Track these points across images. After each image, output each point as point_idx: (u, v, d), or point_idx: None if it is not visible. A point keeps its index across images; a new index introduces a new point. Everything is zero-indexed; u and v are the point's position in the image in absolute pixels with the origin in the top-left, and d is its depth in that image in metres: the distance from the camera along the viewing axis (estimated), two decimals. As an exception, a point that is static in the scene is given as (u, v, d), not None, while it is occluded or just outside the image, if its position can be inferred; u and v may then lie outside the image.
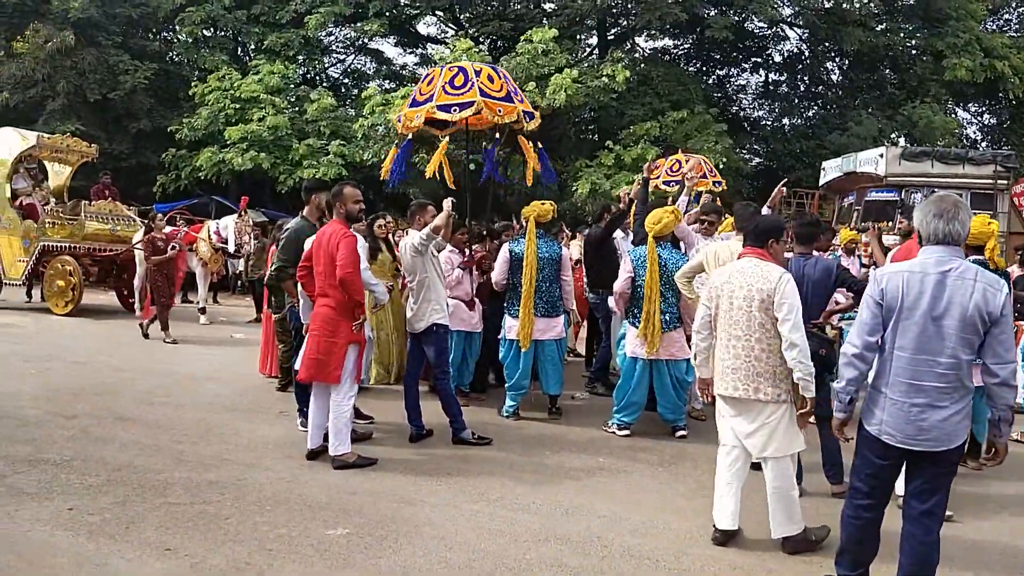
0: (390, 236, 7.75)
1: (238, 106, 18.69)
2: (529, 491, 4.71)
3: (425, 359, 5.78)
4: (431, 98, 7.07)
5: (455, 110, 6.99)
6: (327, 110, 18.85)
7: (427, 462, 5.24)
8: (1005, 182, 14.56)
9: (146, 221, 11.47)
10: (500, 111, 7.18)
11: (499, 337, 6.67)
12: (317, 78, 23.49)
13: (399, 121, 7.35)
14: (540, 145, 7.91)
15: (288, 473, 4.91)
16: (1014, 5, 25.30)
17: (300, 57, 21.00)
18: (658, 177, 11.90)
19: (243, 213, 12.33)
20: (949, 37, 19.12)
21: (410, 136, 7.47)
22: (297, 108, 19.63)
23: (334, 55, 25.31)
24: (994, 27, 24.07)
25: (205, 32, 21.69)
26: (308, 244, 5.45)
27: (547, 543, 3.95)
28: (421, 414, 5.76)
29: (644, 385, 6.02)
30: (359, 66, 25.95)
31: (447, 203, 5.65)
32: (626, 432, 6.05)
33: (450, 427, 5.70)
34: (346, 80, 25.58)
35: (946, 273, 2.93)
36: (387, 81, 24.28)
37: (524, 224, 6.60)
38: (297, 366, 5.47)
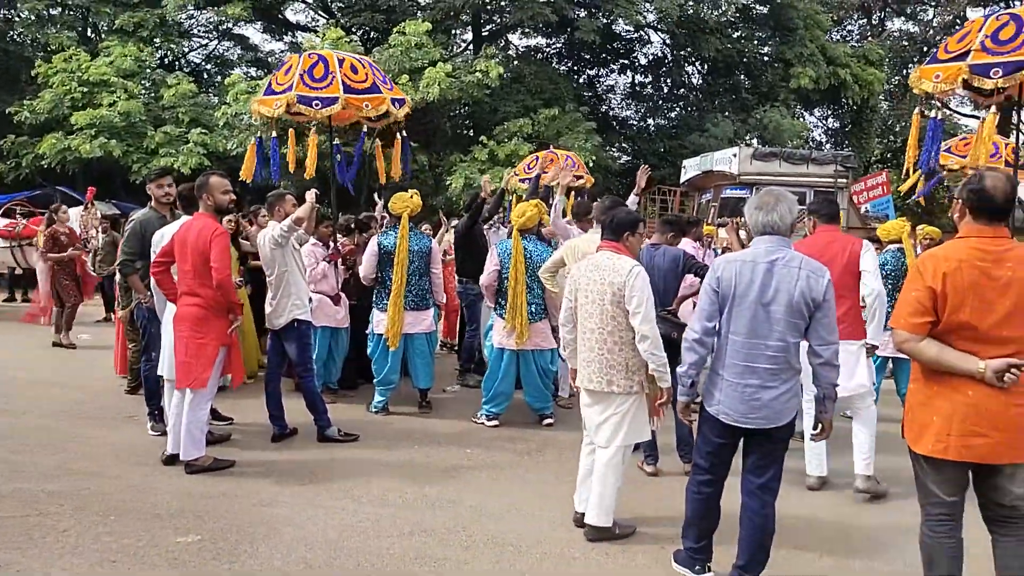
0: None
1: (86, 89, 17.33)
2: (395, 486, 4.67)
3: (287, 356, 5.60)
4: (289, 87, 6.87)
5: (316, 104, 6.83)
6: (186, 96, 17.84)
7: (290, 462, 5.09)
8: (844, 180, 15.83)
9: (48, 212, 10.39)
10: (367, 105, 7.08)
11: (367, 332, 6.57)
12: (176, 63, 22.21)
13: (253, 110, 7.10)
14: (404, 134, 7.86)
15: (137, 480, 4.64)
16: (855, 17, 27.61)
17: (156, 40, 19.75)
18: (514, 175, 12.12)
19: (89, 205, 11.47)
20: (797, 47, 20.57)
21: (274, 134, 7.25)
22: (153, 93, 18.47)
23: (195, 39, 24.00)
24: (838, 37, 26.14)
25: (51, 10, 19.99)
26: (158, 237, 5.16)
27: (412, 536, 3.94)
28: (284, 412, 5.59)
29: (511, 375, 6.11)
30: (223, 52, 24.77)
31: (310, 194, 5.49)
32: (495, 423, 6.13)
33: (315, 425, 5.56)
34: (209, 66, 24.33)
35: (774, 262, 3.14)
36: (253, 68, 23.30)
37: (389, 217, 6.54)
38: (158, 370, 5.19)
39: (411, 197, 6.39)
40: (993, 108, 6.99)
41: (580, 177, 11.68)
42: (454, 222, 10.00)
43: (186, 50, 22.94)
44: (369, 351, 6.54)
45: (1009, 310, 2.72)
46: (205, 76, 23.25)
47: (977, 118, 21.12)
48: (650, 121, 24.89)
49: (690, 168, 17.71)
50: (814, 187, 15.67)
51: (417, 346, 6.41)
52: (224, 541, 3.81)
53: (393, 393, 6.49)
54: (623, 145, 24.56)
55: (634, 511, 4.24)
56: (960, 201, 2.88)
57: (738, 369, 3.18)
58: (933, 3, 26.62)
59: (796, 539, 3.96)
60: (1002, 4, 23.73)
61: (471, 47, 22.37)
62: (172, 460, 4.89)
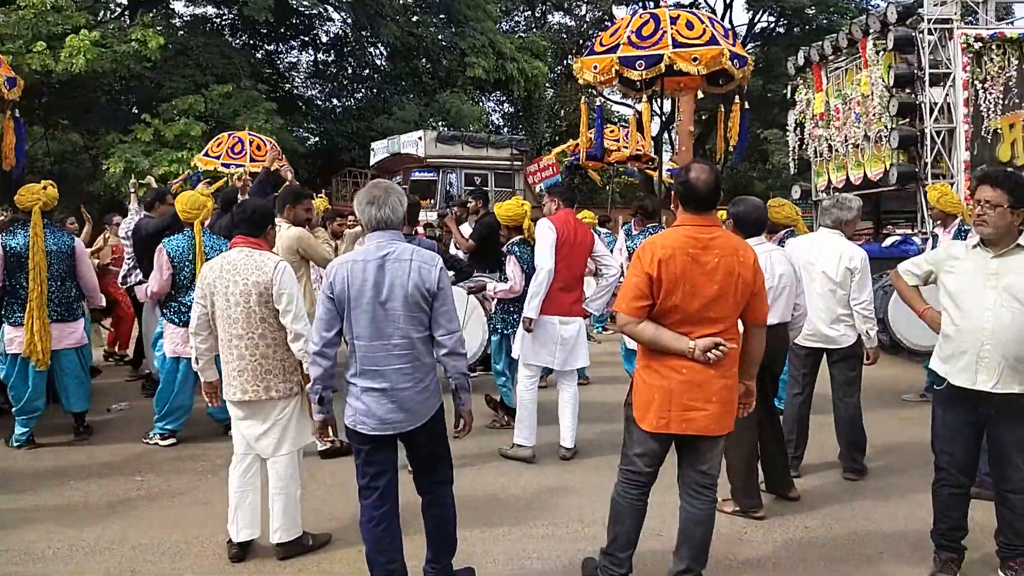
0: None
1: None
2: (43, 535, 3.94)
3: None
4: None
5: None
6: None
7: None
8: (519, 163, 17.04)
9: None
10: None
11: (-5, 353, 5.48)
12: None
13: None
14: (17, 114, 6.66)
15: None
16: (521, 9, 29.67)
17: None
18: (218, 157, 11.13)
19: None
20: (469, 38, 21.52)
21: None
22: None
23: None
24: (508, 27, 27.88)
25: None
26: None
27: (63, 596, 3.35)
28: None
29: (189, 386, 5.51)
30: None
31: None
32: (171, 441, 5.50)
33: None
34: None
35: (385, 257, 3.01)
36: None
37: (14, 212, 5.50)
38: None
39: (43, 189, 5.42)
40: (645, 99, 7.95)
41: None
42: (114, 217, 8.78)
43: None
44: (3, 375, 5.46)
45: (716, 293, 2.93)
46: None
47: (630, 107, 24.13)
48: (336, 101, 24.36)
49: (379, 150, 17.75)
50: (494, 169, 16.71)
51: (66, 363, 5.50)
52: None
53: (39, 421, 5.51)
54: (310, 126, 23.74)
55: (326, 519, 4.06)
56: (674, 192, 3.11)
57: (368, 375, 3.03)
58: (586, 0, 29.62)
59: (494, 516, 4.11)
60: (644, 3, 27.27)
61: (127, 14, 19.85)
62: None
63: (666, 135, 27.28)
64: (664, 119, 25.45)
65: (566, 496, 4.50)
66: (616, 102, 28.86)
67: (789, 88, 12.15)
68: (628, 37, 7.16)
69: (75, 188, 17.18)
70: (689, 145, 12.95)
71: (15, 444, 5.40)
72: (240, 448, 3.73)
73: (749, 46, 27.31)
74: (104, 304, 6.54)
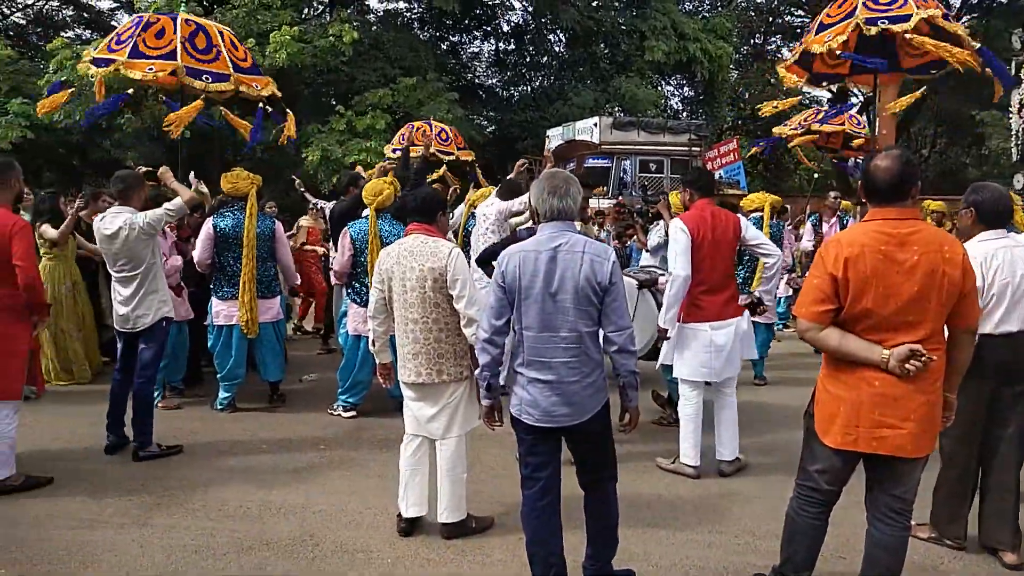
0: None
1: None
2: (237, 495, 4.32)
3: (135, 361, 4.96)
4: (169, 55, 6.44)
5: (207, 78, 6.57)
6: (5, 62, 15.95)
7: (117, 477, 4.58)
8: (698, 149, 16.39)
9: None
10: (256, 86, 6.95)
11: (205, 324, 6.07)
12: (-4, 24, 19.85)
13: (100, 67, 6.46)
14: (269, 108, 7.32)
15: (-72, 511, 4.04)
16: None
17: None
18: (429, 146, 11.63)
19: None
20: (650, 19, 20.95)
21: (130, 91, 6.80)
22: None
23: (15, -1, 21.51)
24: (691, 7, 26.91)
25: None
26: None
27: (251, 551, 3.64)
28: (124, 422, 5.02)
29: (369, 363, 5.81)
30: (51, 13, 22.30)
31: (165, 171, 5.18)
32: (352, 413, 5.85)
33: (133, 442, 4.91)
34: (39, 28, 21.85)
35: (557, 248, 2.96)
36: (87, 30, 21.15)
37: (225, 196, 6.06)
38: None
39: (249, 177, 5.92)
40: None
41: (450, 153, 11.31)
42: (318, 203, 9.46)
43: (6, 12, 20.49)
44: (210, 345, 6.06)
45: (914, 295, 2.62)
46: (34, 39, 20.88)
47: (832, 91, 22.43)
48: (514, 90, 24.75)
49: (554, 137, 17.77)
50: (670, 155, 16.19)
51: (264, 336, 6.00)
52: (32, 574, 3.36)
53: (240, 387, 6.06)
54: (489, 114, 24.32)
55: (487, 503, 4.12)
56: (859, 184, 2.85)
57: (535, 365, 2.99)
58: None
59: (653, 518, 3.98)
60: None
61: (329, 10, 21.32)
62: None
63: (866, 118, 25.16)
64: (863, 101, 23.45)
65: (736, 504, 4.26)
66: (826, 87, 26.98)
67: (1014, 64, 10.72)
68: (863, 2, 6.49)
69: (280, 175, 18.76)
70: (892, 129, 11.78)
71: (219, 407, 5.98)
72: (411, 428, 3.85)
73: (965, 18, 24.47)
74: (299, 282, 7.07)
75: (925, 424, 2.70)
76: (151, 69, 6.38)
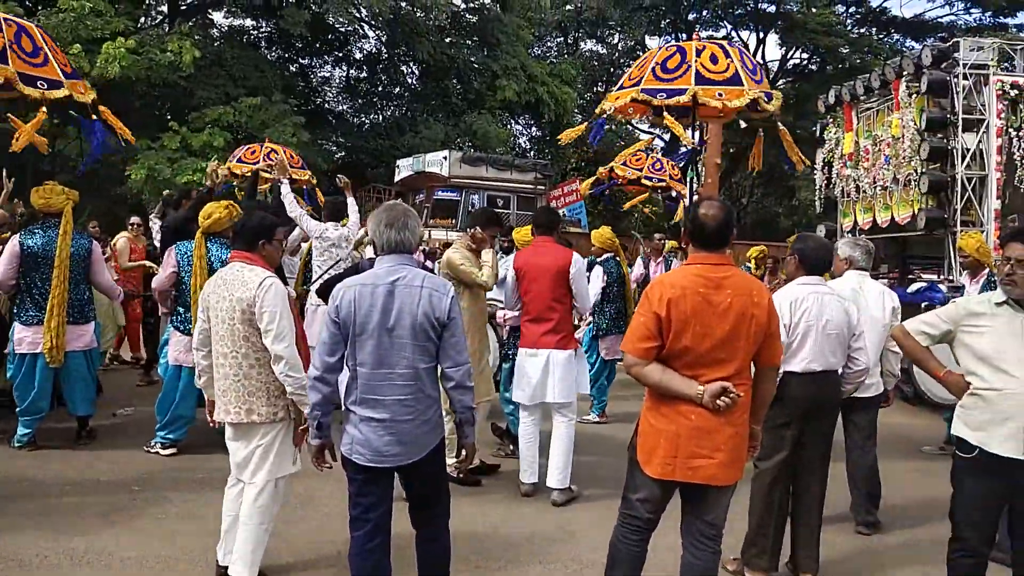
0: None
1: None
2: (35, 542, 3.88)
3: None
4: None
5: (42, 85, 6.07)
6: None
7: None
8: (543, 187, 17.00)
9: None
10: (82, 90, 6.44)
11: (4, 352, 5.48)
12: None
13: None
14: (95, 117, 6.72)
15: None
16: (554, 35, 29.84)
17: None
18: (255, 163, 11.17)
19: None
20: (501, 60, 21.62)
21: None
22: None
23: None
24: (539, 52, 28.01)
25: None
26: None
27: (44, 607, 3.28)
28: None
29: (193, 395, 5.45)
30: None
31: None
32: (172, 451, 5.45)
33: None
34: None
35: (395, 282, 2.91)
36: None
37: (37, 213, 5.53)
38: None
39: (64, 191, 5.45)
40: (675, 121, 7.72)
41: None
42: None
43: None
44: (9, 375, 5.45)
45: (727, 334, 2.81)
46: None
47: (653, 134, 23.89)
48: (365, 118, 24.53)
49: (404, 168, 17.81)
50: (517, 192, 16.74)
51: (73, 366, 5.48)
52: None
53: (42, 423, 5.48)
54: (339, 140, 23.89)
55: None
56: (684, 229, 3.02)
57: (368, 403, 2.92)
58: (619, 29, 29.70)
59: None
60: (676, 34, 27.31)
61: (166, 21, 20.19)
62: None
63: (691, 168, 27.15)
64: (689, 151, 25.32)
65: (564, 535, 4.36)
66: (644, 131, 28.84)
67: (819, 126, 12.01)
68: (653, 69, 7.10)
69: (104, 191, 17.36)
70: (715, 177, 12.75)
71: (17, 444, 5.38)
72: (233, 470, 3.60)
73: (780, 82, 27.20)
74: (122, 296, 6.50)
75: (734, 454, 2.92)
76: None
